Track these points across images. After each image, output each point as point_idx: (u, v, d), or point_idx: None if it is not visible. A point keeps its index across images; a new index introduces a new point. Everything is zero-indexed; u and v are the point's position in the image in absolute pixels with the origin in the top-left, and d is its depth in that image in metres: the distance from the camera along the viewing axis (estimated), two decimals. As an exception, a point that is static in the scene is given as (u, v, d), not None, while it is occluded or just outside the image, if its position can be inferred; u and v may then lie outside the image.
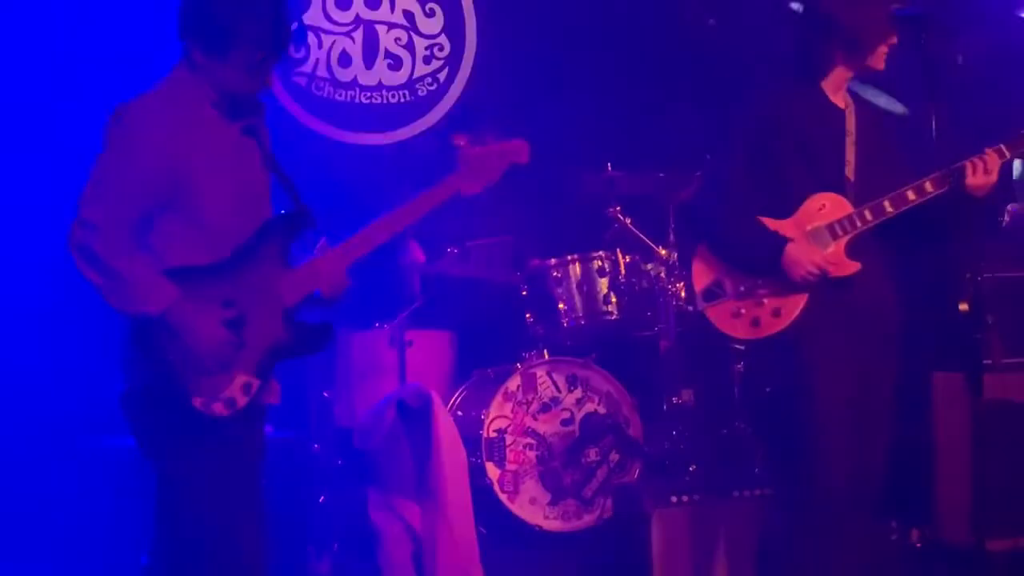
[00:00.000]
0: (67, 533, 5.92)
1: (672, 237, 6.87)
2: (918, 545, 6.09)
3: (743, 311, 4.65)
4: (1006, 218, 6.71)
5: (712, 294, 4.71)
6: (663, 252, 6.82)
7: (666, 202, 6.93)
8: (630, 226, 6.94)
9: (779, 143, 4.64)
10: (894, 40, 4.64)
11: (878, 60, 4.67)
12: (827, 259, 4.54)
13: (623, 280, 6.73)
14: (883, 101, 7.40)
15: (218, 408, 3.76)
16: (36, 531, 6.10)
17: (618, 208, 6.88)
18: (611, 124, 7.75)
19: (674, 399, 6.66)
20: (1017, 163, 6.88)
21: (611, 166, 6.91)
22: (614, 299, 6.68)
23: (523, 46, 8.00)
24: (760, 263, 4.61)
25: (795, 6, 6.65)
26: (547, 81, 7.94)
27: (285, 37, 3.94)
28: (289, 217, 4.00)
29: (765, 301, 4.62)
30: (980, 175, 4.53)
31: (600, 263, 6.71)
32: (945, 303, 4.12)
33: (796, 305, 4.59)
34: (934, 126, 4.24)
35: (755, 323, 4.63)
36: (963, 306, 3.83)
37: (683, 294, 6.71)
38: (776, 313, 4.61)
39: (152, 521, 3.91)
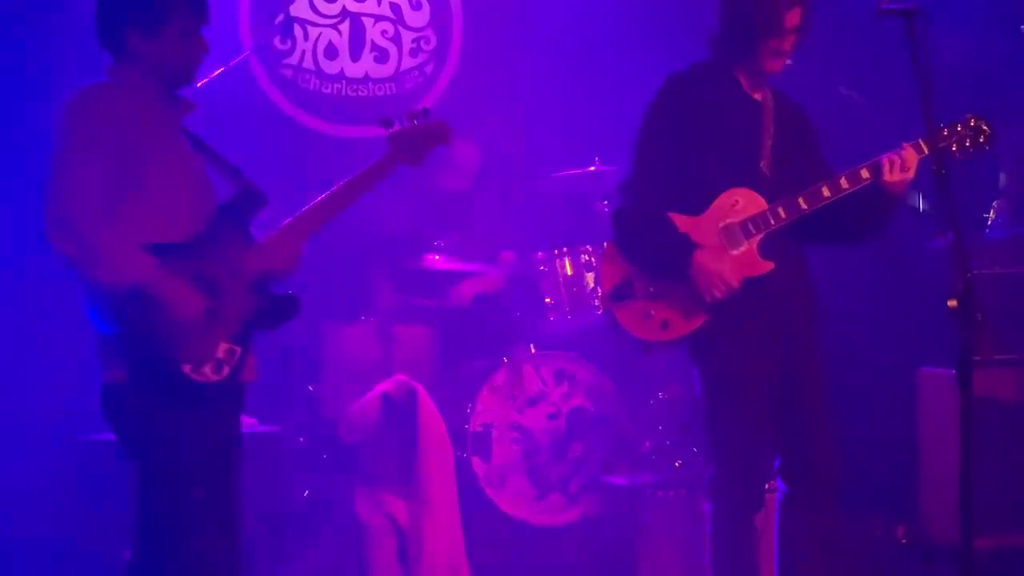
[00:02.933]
0: (47, 529, 5.90)
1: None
2: (903, 542, 6.09)
3: (652, 312, 4.56)
4: (992, 215, 6.72)
5: (621, 294, 4.63)
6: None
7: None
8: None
9: (694, 134, 4.56)
10: (782, 46, 4.53)
11: (765, 61, 4.56)
12: (735, 275, 4.46)
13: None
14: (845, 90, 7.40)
15: (208, 371, 3.85)
16: (15, 527, 6.08)
17: (605, 203, 6.86)
18: (599, 118, 7.72)
19: (660, 394, 6.66)
20: (1002, 176, 6.88)
21: (598, 160, 6.89)
22: (603, 289, 6.66)
23: (510, 39, 8.00)
24: (667, 267, 4.54)
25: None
26: (534, 74, 7.93)
27: (206, 4, 4.07)
28: (242, 197, 4.13)
29: (675, 302, 4.54)
30: (897, 171, 4.43)
31: (587, 257, 6.69)
32: (933, 299, 4.09)
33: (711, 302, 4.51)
34: (923, 121, 4.19)
35: (664, 325, 4.55)
36: (952, 302, 3.80)
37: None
38: (687, 314, 4.53)
39: (134, 515, 3.91)
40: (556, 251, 6.70)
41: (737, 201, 4.54)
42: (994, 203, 6.74)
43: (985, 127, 4.54)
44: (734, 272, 4.47)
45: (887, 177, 4.44)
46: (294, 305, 4.16)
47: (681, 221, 4.53)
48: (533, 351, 6.60)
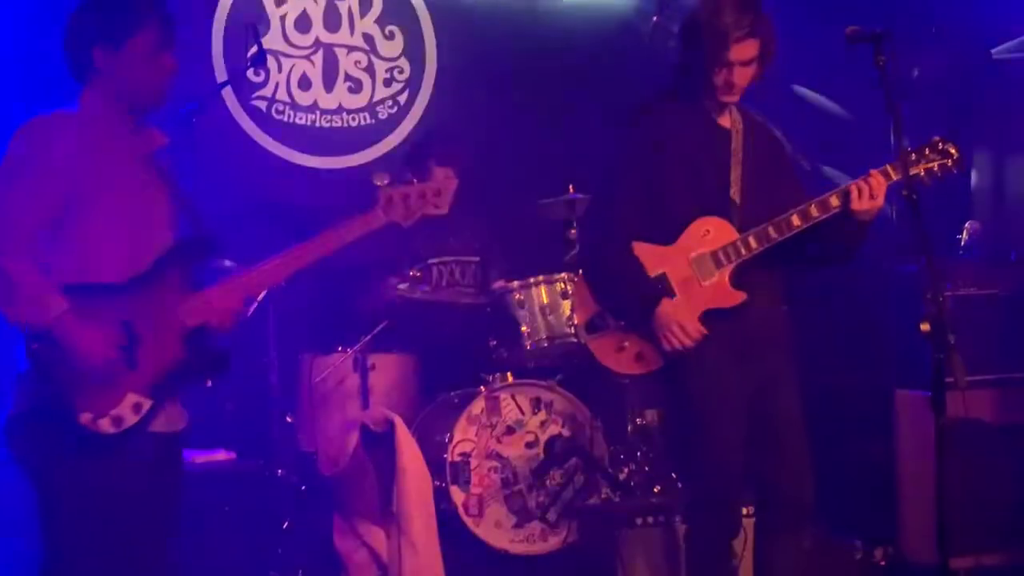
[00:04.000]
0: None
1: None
2: (882, 563, 6.10)
3: (626, 344, 4.56)
4: (965, 235, 6.76)
5: (595, 326, 4.62)
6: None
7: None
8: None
9: (662, 163, 4.56)
10: (731, 77, 4.52)
11: (718, 90, 4.56)
12: (695, 325, 4.47)
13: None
14: (822, 100, 7.44)
15: (104, 425, 3.73)
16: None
17: (573, 231, 6.87)
18: (573, 146, 7.75)
19: (638, 420, 6.66)
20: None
21: (573, 188, 6.91)
22: (577, 321, 6.66)
23: (483, 67, 8.02)
24: (630, 313, 4.55)
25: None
26: (508, 102, 7.96)
27: (171, 22, 4.01)
28: (192, 243, 4.02)
29: (649, 334, 4.54)
30: (865, 199, 4.44)
31: (563, 285, 6.69)
32: (907, 322, 4.11)
33: None
34: (892, 140, 4.21)
35: (639, 357, 4.55)
36: (924, 326, 3.83)
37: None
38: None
39: (39, 549, 3.85)
40: (532, 279, 6.70)
41: (708, 231, 4.54)
42: (967, 224, 6.78)
43: (952, 150, 4.56)
44: (694, 316, 4.47)
45: (855, 205, 4.45)
46: (225, 363, 4.00)
47: (652, 251, 4.54)
48: (510, 380, 6.59)
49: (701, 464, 4.54)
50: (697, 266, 4.52)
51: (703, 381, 4.50)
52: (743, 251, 4.51)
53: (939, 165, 4.53)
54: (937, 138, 4.57)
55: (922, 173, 4.52)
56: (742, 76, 4.53)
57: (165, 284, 3.89)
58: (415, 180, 4.22)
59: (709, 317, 4.51)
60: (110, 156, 3.90)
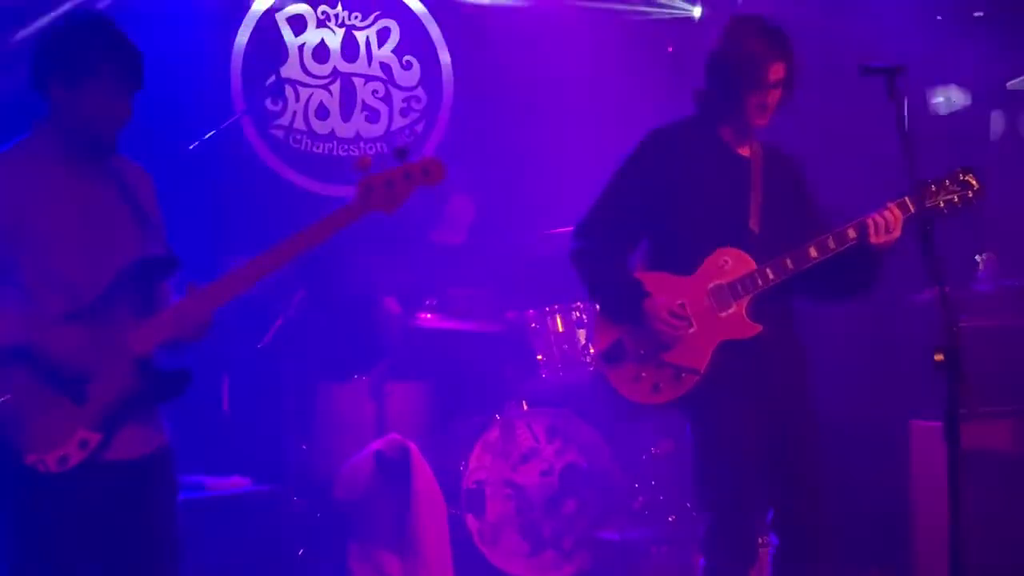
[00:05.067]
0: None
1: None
2: (898, 594, 6.10)
3: (643, 375, 4.54)
4: (980, 267, 6.75)
5: (613, 356, 4.61)
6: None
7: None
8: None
9: (680, 193, 4.57)
10: (766, 99, 4.55)
11: (750, 114, 4.58)
12: (685, 312, 4.50)
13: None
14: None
15: (50, 464, 3.66)
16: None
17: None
18: (589, 175, 7.76)
19: (653, 449, 6.66)
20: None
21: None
22: (592, 350, 6.67)
23: (500, 96, 8.04)
24: (618, 309, 4.57)
25: None
26: (525, 132, 7.98)
27: (138, 68, 3.85)
28: (146, 263, 3.88)
29: (665, 365, 4.53)
30: (882, 233, 4.44)
31: (578, 314, 6.71)
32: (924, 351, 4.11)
33: (698, 369, 4.51)
34: (909, 177, 4.22)
35: (656, 388, 4.52)
36: (938, 356, 3.83)
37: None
38: (677, 377, 4.52)
39: None
40: (547, 308, 6.72)
41: (726, 262, 4.54)
42: (981, 255, 6.78)
43: (974, 181, 4.56)
44: (678, 300, 4.49)
45: (872, 239, 4.46)
46: (183, 381, 3.86)
47: (671, 281, 4.55)
48: (526, 408, 6.60)
49: (717, 494, 4.53)
50: (715, 297, 4.52)
51: (719, 412, 4.49)
52: (760, 282, 4.51)
53: (959, 196, 4.53)
54: (959, 169, 4.57)
55: (942, 204, 4.52)
56: (774, 97, 4.57)
57: (120, 307, 3.80)
58: (400, 162, 3.92)
59: (725, 348, 4.52)
60: (49, 185, 3.80)
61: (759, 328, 4.51)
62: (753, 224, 4.58)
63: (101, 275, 3.79)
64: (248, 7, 7.66)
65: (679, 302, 4.51)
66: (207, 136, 6.49)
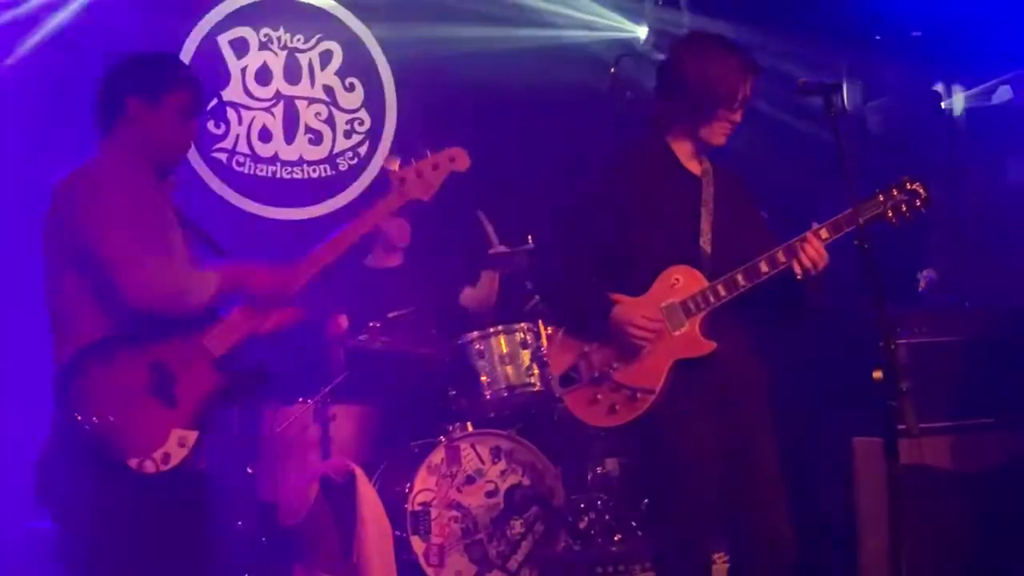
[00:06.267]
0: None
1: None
2: (843, 611, 6.11)
3: (599, 397, 4.55)
4: (921, 284, 6.82)
5: (569, 379, 4.62)
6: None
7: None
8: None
9: (632, 213, 4.57)
10: (734, 117, 4.59)
11: (714, 134, 4.61)
12: (654, 317, 4.50)
13: (545, 351, 6.74)
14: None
15: (154, 463, 3.82)
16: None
17: (528, 284, 6.90)
18: (534, 196, 7.79)
19: (598, 469, 6.67)
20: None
21: (532, 239, 6.94)
22: (536, 370, 6.67)
23: (443, 116, 8.05)
24: (587, 324, 4.58)
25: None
26: (468, 150, 7.98)
27: (202, 96, 4.23)
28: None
29: (621, 386, 4.55)
30: (806, 260, 4.46)
31: (522, 335, 6.71)
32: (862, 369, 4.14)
33: (653, 389, 4.52)
34: (846, 192, 4.25)
35: (612, 409, 4.53)
36: (876, 373, 3.86)
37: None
38: (632, 397, 4.53)
39: None
40: (491, 329, 6.72)
41: (678, 279, 4.55)
42: (922, 272, 6.84)
43: (921, 190, 4.59)
44: (649, 309, 4.50)
45: (797, 269, 4.48)
46: (264, 377, 4.18)
47: (624, 302, 4.55)
48: (470, 429, 6.60)
49: (674, 511, 4.52)
50: (668, 316, 4.52)
51: (676, 429, 4.48)
52: (712, 299, 4.51)
53: (907, 204, 4.57)
54: (905, 178, 4.61)
55: (890, 213, 4.55)
56: (740, 115, 4.61)
57: (184, 319, 3.98)
58: (428, 152, 4.38)
59: (681, 367, 4.52)
60: (143, 202, 4.00)
61: (713, 345, 4.51)
62: (704, 243, 4.59)
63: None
64: (189, 30, 7.64)
65: (649, 308, 4.51)
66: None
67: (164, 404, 3.87)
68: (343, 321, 6.91)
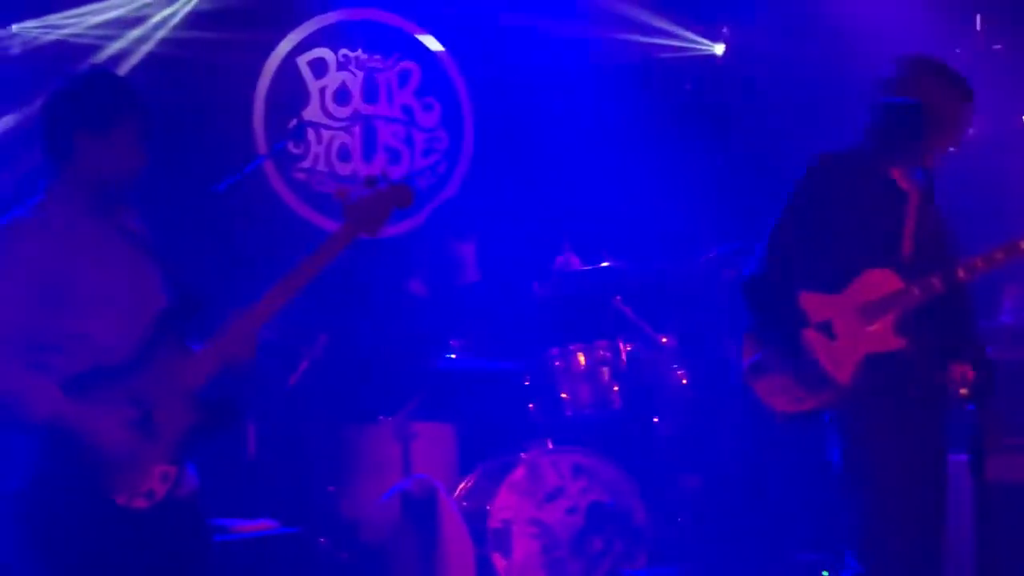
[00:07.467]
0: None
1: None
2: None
3: (787, 385, 4.64)
4: (1006, 301, 6.75)
5: (757, 369, 4.70)
6: (664, 340, 6.86)
7: (666, 291, 7.00)
8: (631, 315, 6.98)
9: (838, 218, 4.64)
10: (958, 146, 4.73)
11: (938, 160, 4.72)
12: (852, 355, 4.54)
13: (625, 368, 6.75)
14: None
15: (139, 502, 3.76)
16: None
17: (619, 298, 6.91)
18: (610, 215, 7.80)
19: (679, 485, 6.65)
20: None
21: (608, 256, 6.95)
22: (616, 388, 6.68)
23: (521, 135, 8.08)
24: (781, 343, 4.64)
25: None
26: (544, 171, 8.02)
27: (151, 120, 3.98)
28: (177, 305, 3.99)
29: (810, 375, 4.59)
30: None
31: (602, 352, 6.72)
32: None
33: (842, 380, 4.55)
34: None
35: (799, 399, 4.61)
36: (963, 391, 3.84)
37: (684, 381, 6.75)
38: (820, 386, 4.58)
39: None
40: (571, 346, 6.73)
41: (876, 281, 4.60)
42: (1007, 288, 6.78)
43: None
44: (849, 358, 4.54)
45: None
46: (236, 411, 4.03)
47: (817, 299, 4.60)
48: (551, 446, 6.60)
49: (900, 525, 4.54)
50: (863, 312, 4.57)
51: (872, 425, 4.53)
52: (907, 300, 4.56)
53: None
54: None
55: None
56: None
57: (166, 347, 3.91)
58: (376, 186, 4.15)
59: (870, 361, 4.55)
60: (82, 246, 3.88)
61: (903, 342, 4.55)
62: (905, 250, 4.63)
63: (139, 323, 3.89)
64: (269, 53, 7.72)
65: (826, 318, 4.56)
66: (232, 180, 6.52)
67: (146, 439, 3.79)
68: (419, 287, 6.96)
